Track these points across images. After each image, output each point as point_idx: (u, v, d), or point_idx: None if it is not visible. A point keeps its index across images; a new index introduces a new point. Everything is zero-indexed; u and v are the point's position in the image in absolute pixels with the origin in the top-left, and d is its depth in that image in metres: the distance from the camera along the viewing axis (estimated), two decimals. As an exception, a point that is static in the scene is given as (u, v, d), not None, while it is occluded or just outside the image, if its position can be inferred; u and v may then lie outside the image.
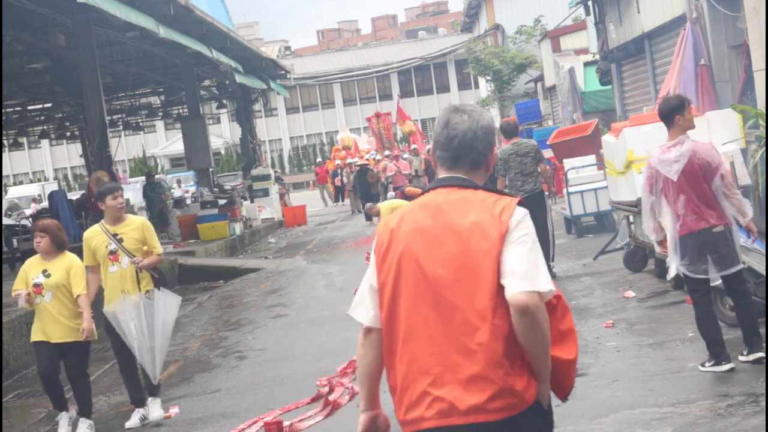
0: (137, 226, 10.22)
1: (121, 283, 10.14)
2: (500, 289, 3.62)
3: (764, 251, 9.44)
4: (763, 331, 8.74)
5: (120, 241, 10.04)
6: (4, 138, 37.89)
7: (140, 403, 9.99)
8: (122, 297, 10.13)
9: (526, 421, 3.65)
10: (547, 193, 15.29)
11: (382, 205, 18.96)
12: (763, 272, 9.28)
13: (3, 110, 29.23)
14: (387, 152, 42.71)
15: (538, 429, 3.76)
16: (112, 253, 10.05)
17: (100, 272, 10.28)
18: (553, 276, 14.73)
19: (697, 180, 8.27)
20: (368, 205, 24.39)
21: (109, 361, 13.73)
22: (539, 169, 14.63)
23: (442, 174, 3.94)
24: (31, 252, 24.84)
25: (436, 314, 3.70)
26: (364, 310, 3.97)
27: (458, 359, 3.64)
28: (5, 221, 28.14)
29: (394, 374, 3.85)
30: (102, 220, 10.32)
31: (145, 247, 10.11)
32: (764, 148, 11.61)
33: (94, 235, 10.20)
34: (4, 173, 74.12)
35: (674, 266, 8.52)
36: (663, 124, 8.54)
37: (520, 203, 3.78)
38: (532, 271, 3.61)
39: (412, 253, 3.78)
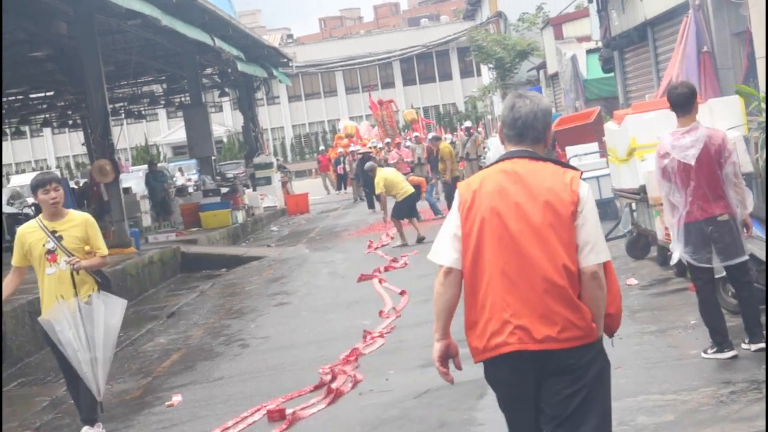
0: (79, 222, 8.94)
1: (59, 288, 8.98)
2: (571, 246, 4.44)
3: (764, 237, 9.43)
4: (765, 319, 8.74)
5: (59, 239, 8.87)
6: (6, 126, 37.87)
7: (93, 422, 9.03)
8: (57, 303, 8.91)
9: (589, 352, 4.57)
10: None
11: (380, 170, 20.56)
12: (764, 259, 9.27)
13: (5, 99, 29.21)
14: (388, 140, 42.65)
15: (599, 360, 4.70)
16: (50, 252, 8.92)
17: (22, 275, 9.38)
18: None
19: (711, 167, 8.25)
20: (369, 164, 24.57)
21: (112, 350, 13.76)
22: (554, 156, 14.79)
23: (510, 148, 4.68)
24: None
25: (517, 261, 4.46)
26: (446, 254, 4.63)
27: (535, 298, 4.42)
28: (8, 209, 28.10)
29: (475, 310, 4.61)
30: (39, 215, 9.14)
31: (87, 247, 8.87)
32: (765, 133, 11.59)
33: (30, 232, 9.05)
34: (6, 162, 74.11)
35: (677, 253, 8.51)
36: (673, 111, 8.45)
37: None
38: (600, 244, 4.49)
39: (495, 210, 4.52)
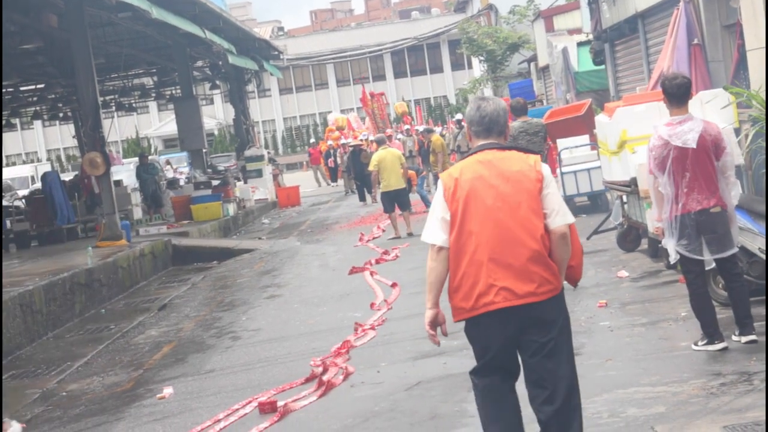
0: None
1: None
2: (540, 216, 5.46)
3: (753, 230, 9.45)
4: (755, 312, 8.77)
5: None
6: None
7: None
8: None
9: (557, 300, 5.52)
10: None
11: (381, 149, 21.21)
12: (755, 251, 9.30)
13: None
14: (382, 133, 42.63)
15: (564, 312, 5.61)
16: None
17: None
18: None
19: (706, 157, 8.26)
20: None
21: (103, 342, 13.77)
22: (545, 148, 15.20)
23: (479, 142, 5.72)
24: (25, 233, 24.87)
25: (497, 233, 5.43)
26: (437, 234, 5.57)
27: (515, 262, 5.40)
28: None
29: (461, 277, 5.47)
30: None
31: None
32: (764, 128, 11.60)
33: None
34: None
35: (671, 248, 8.50)
36: (668, 101, 8.44)
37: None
38: (564, 209, 5.54)
39: (475, 192, 5.51)
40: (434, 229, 5.58)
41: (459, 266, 5.49)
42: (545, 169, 5.55)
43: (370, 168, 21.96)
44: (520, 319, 5.42)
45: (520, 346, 5.50)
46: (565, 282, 5.66)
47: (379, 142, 22.61)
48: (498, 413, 5.65)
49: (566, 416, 5.51)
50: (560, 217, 5.49)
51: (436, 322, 5.63)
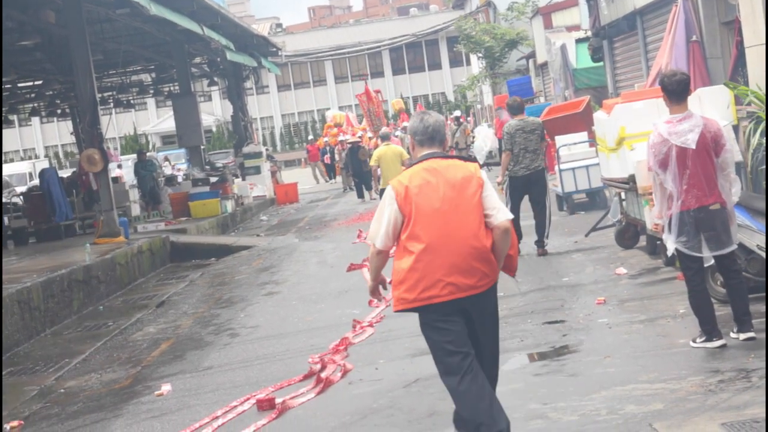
0: None
1: None
2: (482, 218, 6.17)
3: (752, 227, 9.45)
4: (753, 309, 8.76)
5: None
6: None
7: None
8: None
9: (494, 292, 6.26)
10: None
11: (383, 145, 21.45)
12: (753, 248, 9.30)
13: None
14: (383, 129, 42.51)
15: (496, 296, 6.32)
16: None
17: None
18: (546, 253, 15.08)
19: (707, 154, 8.25)
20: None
21: (101, 339, 13.76)
22: (542, 147, 15.15)
23: (424, 151, 6.44)
24: (23, 230, 24.85)
25: (444, 234, 6.10)
26: (382, 240, 6.27)
27: (459, 260, 6.09)
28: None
29: (407, 272, 6.13)
30: None
31: None
32: (764, 125, 11.60)
33: None
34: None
35: (670, 244, 8.50)
36: (668, 98, 8.42)
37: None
38: (503, 207, 6.25)
39: (424, 197, 6.17)
40: (380, 234, 6.27)
41: (406, 262, 6.16)
42: (483, 173, 6.33)
43: (371, 163, 22.07)
44: (461, 308, 6.16)
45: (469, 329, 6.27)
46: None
47: (383, 138, 22.84)
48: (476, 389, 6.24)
49: (492, 382, 6.38)
50: (501, 214, 6.19)
51: (378, 288, 6.64)
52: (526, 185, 15.16)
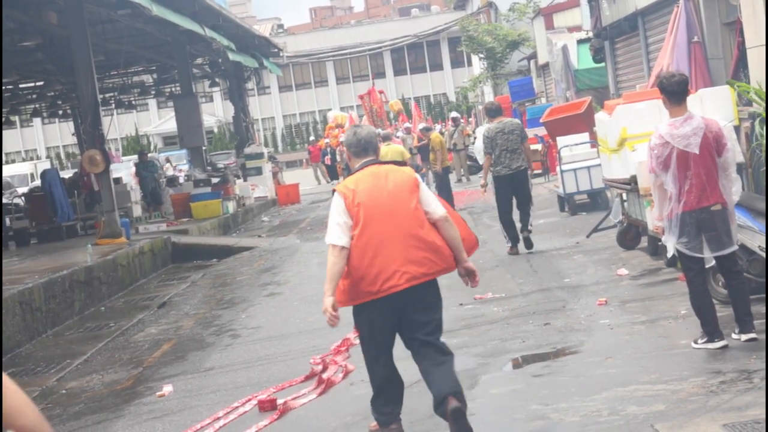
0: None
1: None
2: (422, 212, 6.83)
3: (761, 230, 9.45)
4: (755, 310, 8.76)
5: None
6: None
7: None
8: None
9: (436, 282, 6.90)
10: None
11: (386, 145, 21.66)
12: (755, 249, 9.30)
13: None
14: (378, 131, 42.52)
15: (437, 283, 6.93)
16: None
17: None
18: (531, 245, 15.64)
19: (709, 155, 8.24)
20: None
21: (102, 340, 13.77)
22: (523, 147, 15.62)
23: (361, 161, 7.10)
24: (24, 231, 24.84)
25: (393, 230, 6.75)
26: (340, 237, 6.73)
27: (410, 252, 6.73)
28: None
29: (364, 269, 6.71)
30: None
31: None
32: (765, 126, 11.59)
33: None
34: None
35: (671, 245, 8.50)
36: (668, 99, 8.41)
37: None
38: (437, 202, 7.01)
39: (371, 198, 6.81)
40: (337, 232, 6.76)
41: (363, 259, 6.71)
42: (417, 175, 7.06)
43: None
44: (413, 296, 6.75)
45: (412, 317, 6.83)
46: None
47: (385, 138, 23.01)
48: (392, 373, 7.18)
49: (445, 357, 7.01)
50: (437, 206, 6.93)
51: (336, 306, 6.74)
52: (511, 184, 15.65)
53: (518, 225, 15.87)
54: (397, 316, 6.82)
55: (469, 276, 7.03)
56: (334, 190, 7.00)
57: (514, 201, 15.89)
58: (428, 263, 6.76)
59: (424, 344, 6.89)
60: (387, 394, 7.16)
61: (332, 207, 6.88)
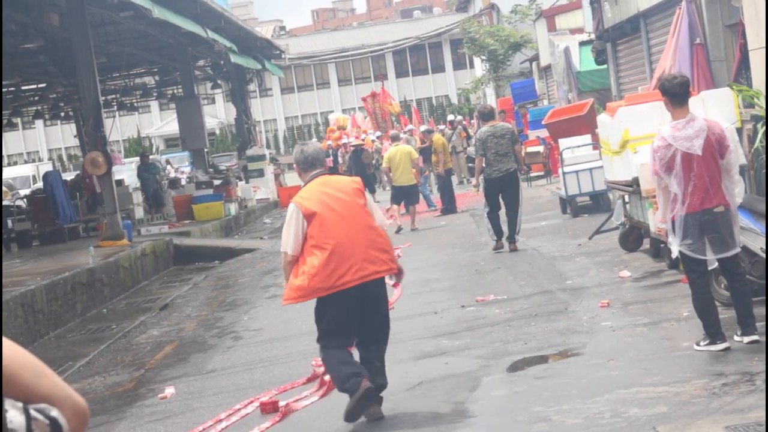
0: None
1: None
2: (371, 215, 7.86)
3: (755, 229, 9.44)
4: (757, 312, 8.75)
5: None
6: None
7: None
8: None
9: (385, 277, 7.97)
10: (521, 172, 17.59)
11: (393, 146, 22.61)
12: (757, 251, 9.29)
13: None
14: (378, 133, 42.47)
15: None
16: None
17: None
18: (517, 249, 16.17)
19: (711, 157, 8.24)
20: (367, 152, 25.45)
21: (104, 342, 13.77)
22: (515, 150, 16.44)
23: (310, 173, 7.99)
24: (26, 233, 24.84)
25: (347, 232, 7.62)
26: (293, 246, 7.70)
27: (363, 252, 7.64)
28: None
29: (320, 265, 7.59)
30: None
31: None
32: (765, 128, 11.59)
33: None
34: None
35: (675, 247, 8.49)
36: (670, 101, 8.41)
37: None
38: (379, 210, 8.22)
39: (324, 205, 7.68)
40: (292, 241, 7.67)
41: (317, 260, 7.56)
42: (361, 184, 8.04)
43: (383, 165, 22.92)
44: (367, 291, 7.64)
45: (368, 307, 7.77)
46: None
47: (393, 139, 23.38)
48: (348, 358, 7.91)
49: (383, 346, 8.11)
50: (379, 214, 8.08)
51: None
52: (500, 186, 16.38)
53: (506, 233, 16.49)
54: (354, 308, 7.73)
55: (399, 276, 8.18)
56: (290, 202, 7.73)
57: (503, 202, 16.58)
58: (379, 262, 7.71)
59: (372, 338, 7.95)
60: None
61: (288, 217, 7.73)
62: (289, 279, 7.78)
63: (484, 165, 16.53)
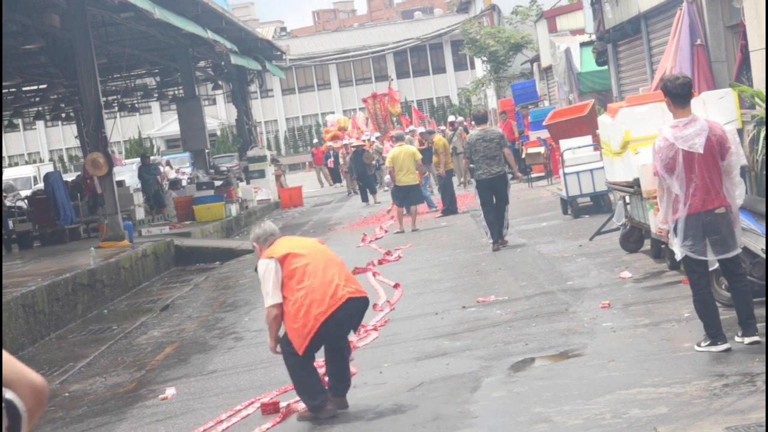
0: None
1: None
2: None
3: (755, 230, 9.44)
4: (758, 313, 8.75)
5: None
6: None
7: None
8: None
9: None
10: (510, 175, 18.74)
11: (397, 146, 22.69)
12: (758, 252, 9.28)
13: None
14: (377, 134, 42.46)
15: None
16: None
17: None
18: (505, 243, 17.06)
19: (713, 158, 8.24)
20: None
21: (105, 342, 13.77)
22: (504, 153, 17.21)
23: (270, 240, 8.61)
24: (27, 234, 24.81)
25: (331, 270, 8.33)
26: (273, 297, 8.22)
27: (346, 279, 8.40)
28: None
29: (310, 298, 8.12)
30: None
31: None
32: (765, 128, 11.58)
33: None
34: (-1, 155, 73.78)
35: (677, 248, 8.48)
36: (672, 102, 8.41)
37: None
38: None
39: (294, 247, 8.44)
40: (273, 291, 8.20)
41: (307, 293, 8.12)
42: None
43: (386, 164, 22.91)
44: (356, 306, 8.35)
45: (349, 325, 8.54)
46: None
47: (398, 139, 23.39)
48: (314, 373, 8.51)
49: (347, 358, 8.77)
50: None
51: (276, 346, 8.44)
52: (491, 187, 17.09)
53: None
54: (342, 325, 8.43)
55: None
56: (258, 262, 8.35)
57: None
58: (356, 284, 8.49)
59: (343, 356, 8.64)
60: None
61: (265, 272, 8.21)
62: (277, 330, 8.30)
63: (472, 166, 17.49)
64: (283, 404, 8.70)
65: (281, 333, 8.39)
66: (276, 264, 8.20)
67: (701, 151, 8.19)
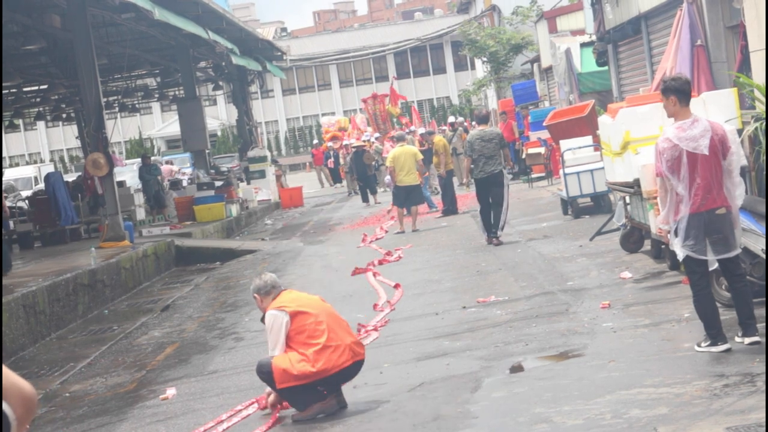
0: None
1: None
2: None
3: (755, 230, 9.44)
4: (758, 313, 8.75)
5: None
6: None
7: None
8: None
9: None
10: (508, 173, 19.27)
11: (398, 146, 22.83)
12: (758, 252, 9.29)
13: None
14: (377, 135, 42.44)
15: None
16: None
17: None
18: (500, 243, 17.40)
19: (715, 158, 8.25)
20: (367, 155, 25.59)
21: (106, 343, 13.78)
22: (502, 153, 17.72)
23: (273, 292, 8.70)
24: (28, 234, 24.81)
25: (336, 326, 8.49)
26: (281, 348, 8.39)
27: (348, 338, 8.52)
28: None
29: (324, 354, 8.31)
30: None
31: None
32: (764, 124, 11.58)
33: None
34: (-1, 155, 73.73)
35: (678, 248, 8.48)
36: (679, 100, 8.40)
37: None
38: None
39: (305, 306, 8.50)
40: (279, 344, 8.34)
41: (316, 348, 8.29)
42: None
43: (387, 164, 22.96)
44: (357, 369, 8.58)
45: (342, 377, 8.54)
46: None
47: (399, 139, 23.44)
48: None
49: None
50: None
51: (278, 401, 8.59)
52: (487, 186, 17.65)
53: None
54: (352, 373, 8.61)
55: None
56: (266, 314, 8.44)
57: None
58: (358, 349, 8.55)
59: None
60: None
61: (274, 323, 8.34)
62: (280, 366, 8.30)
63: (472, 166, 17.85)
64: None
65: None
66: (288, 318, 8.35)
67: (706, 153, 8.20)
